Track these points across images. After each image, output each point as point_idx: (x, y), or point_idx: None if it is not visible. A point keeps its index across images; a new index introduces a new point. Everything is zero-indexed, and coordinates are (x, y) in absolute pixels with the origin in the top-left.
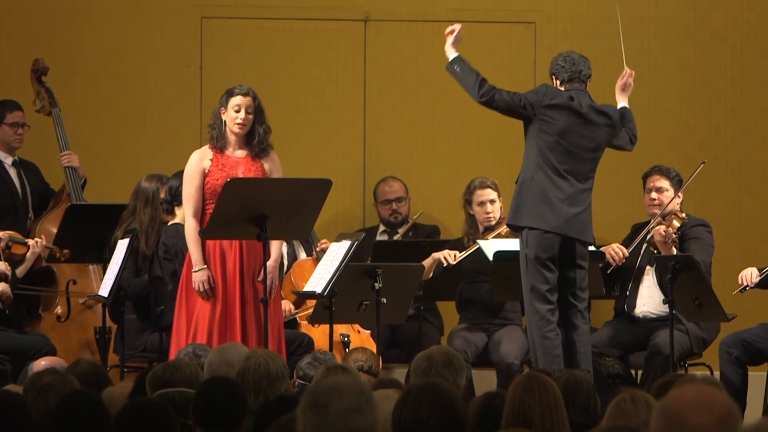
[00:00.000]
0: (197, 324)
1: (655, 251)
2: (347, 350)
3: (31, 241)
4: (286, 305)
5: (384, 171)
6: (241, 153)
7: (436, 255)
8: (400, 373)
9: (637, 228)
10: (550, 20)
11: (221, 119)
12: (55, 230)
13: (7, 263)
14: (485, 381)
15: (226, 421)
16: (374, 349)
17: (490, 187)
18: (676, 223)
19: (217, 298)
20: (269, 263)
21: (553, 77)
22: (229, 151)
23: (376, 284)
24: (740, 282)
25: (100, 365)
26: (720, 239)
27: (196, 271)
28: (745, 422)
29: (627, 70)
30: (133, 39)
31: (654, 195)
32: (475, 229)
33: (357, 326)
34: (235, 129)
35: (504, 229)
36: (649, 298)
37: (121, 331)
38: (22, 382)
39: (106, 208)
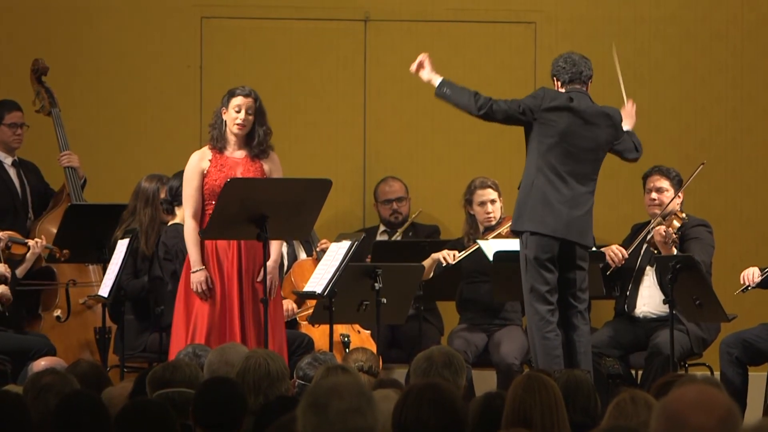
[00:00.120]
0: (196, 324)
1: (656, 251)
2: (347, 350)
3: (31, 242)
4: (289, 304)
5: (384, 171)
6: (240, 153)
7: (435, 255)
8: (400, 374)
9: (638, 228)
10: (550, 20)
11: (222, 119)
12: (54, 230)
13: (6, 265)
14: (485, 381)
15: (226, 421)
16: (374, 349)
17: (490, 187)
18: (677, 224)
19: (215, 299)
20: (269, 263)
21: (554, 78)
22: (228, 152)
23: (376, 284)
24: (742, 282)
25: (100, 365)
26: (720, 239)
27: (194, 272)
28: (746, 422)
29: (629, 103)
30: (133, 39)
31: (654, 195)
32: (476, 229)
33: (357, 326)
34: (235, 129)
35: (504, 229)
36: (649, 299)
37: (121, 331)
38: (22, 383)
39: (106, 208)
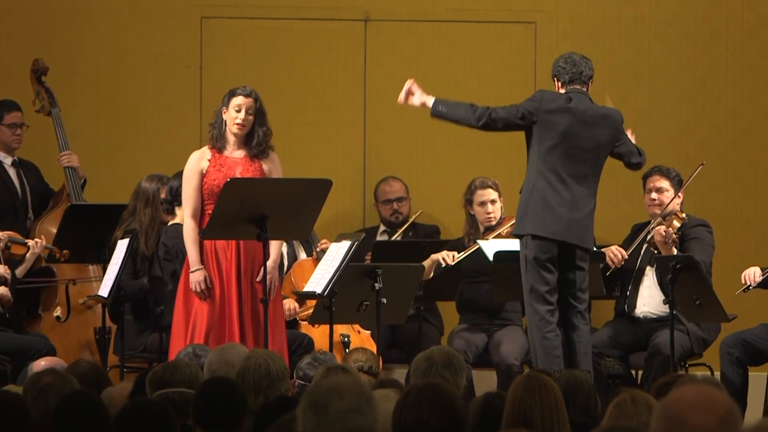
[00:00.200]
0: (195, 324)
1: (656, 251)
2: (347, 350)
3: (31, 242)
4: (291, 304)
5: (384, 171)
6: (239, 153)
7: (434, 256)
8: (400, 374)
9: (638, 228)
10: (550, 20)
11: (222, 119)
12: (54, 230)
13: (6, 267)
14: (485, 381)
15: (226, 421)
16: (374, 349)
17: (491, 187)
18: (677, 224)
19: (214, 299)
20: (268, 263)
21: (555, 79)
22: (227, 152)
23: (376, 284)
24: (743, 281)
25: (100, 365)
26: (720, 239)
27: (193, 272)
28: (746, 423)
29: (628, 131)
30: (133, 39)
31: (654, 195)
32: (476, 229)
33: (357, 326)
34: (234, 129)
35: (505, 229)
36: (649, 299)
37: (120, 331)
38: (22, 383)
39: (106, 208)
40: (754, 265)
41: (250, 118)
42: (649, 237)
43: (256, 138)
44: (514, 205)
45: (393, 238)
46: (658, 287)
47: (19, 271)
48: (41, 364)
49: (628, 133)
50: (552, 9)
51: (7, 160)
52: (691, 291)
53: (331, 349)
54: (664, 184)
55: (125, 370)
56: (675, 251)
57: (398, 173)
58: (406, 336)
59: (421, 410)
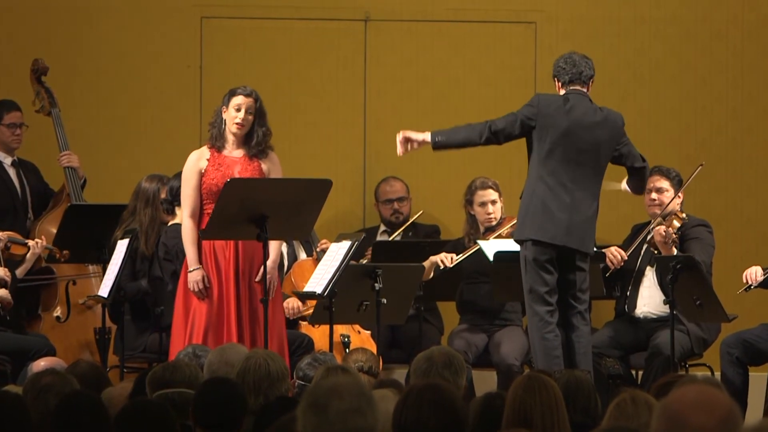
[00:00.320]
0: (193, 324)
1: (656, 251)
2: (347, 351)
3: (31, 242)
4: (294, 302)
5: (384, 171)
6: (238, 153)
7: (433, 258)
8: (400, 374)
9: (638, 229)
10: (550, 20)
11: (222, 118)
12: (54, 230)
13: (6, 269)
14: (485, 382)
15: (226, 421)
16: (374, 349)
17: (491, 187)
18: (677, 224)
19: (212, 298)
20: (268, 263)
21: (555, 79)
22: (226, 151)
23: (376, 284)
24: (745, 281)
25: (100, 366)
26: (721, 239)
27: (191, 271)
28: (746, 423)
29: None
30: (133, 39)
31: (654, 195)
32: (476, 229)
33: (357, 327)
34: (234, 129)
35: (505, 230)
36: (649, 299)
37: (120, 331)
38: (22, 383)
39: (106, 208)
40: (754, 265)
41: (250, 117)
42: (649, 237)
43: (256, 138)
44: (514, 205)
45: (392, 237)
46: (659, 287)
47: (20, 272)
48: (41, 364)
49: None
50: (552, 9)
51: (7, 160)
52: (692, 291)
53: (331, 350)
54: (664, 184)
55: (125, 370)
56: (675, 251)
57: (398, 173)
58: (406, 336)
59: (421, 410)
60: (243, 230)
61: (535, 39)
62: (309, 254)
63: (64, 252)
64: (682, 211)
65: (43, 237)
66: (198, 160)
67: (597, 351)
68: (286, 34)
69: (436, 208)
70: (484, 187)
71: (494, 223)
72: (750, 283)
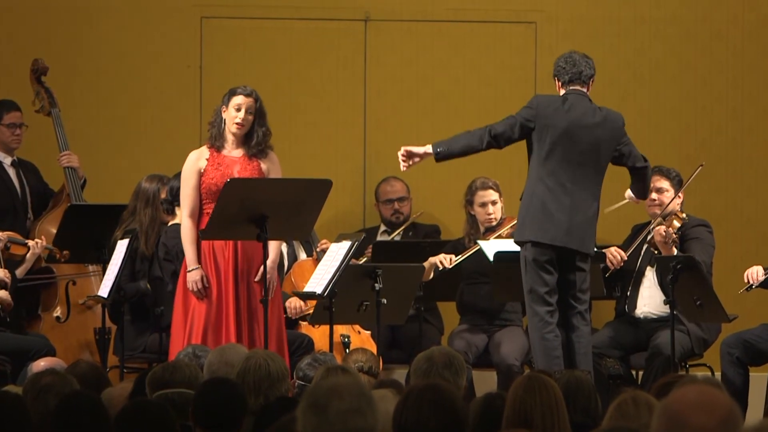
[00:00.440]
0: (192, 324)
1: (656, 252)
2: (347, 351)
3: (31, 242)
4: (297, 302)
5: (384, 171)
6: (238, 152)
7: (432, 259)
8: (400, 374)
9: (638, 229)
10: (550, 20)
11: (221, 117)
12: (54, 230)
13: (6, 271)
14: (486, 382)
15: (226, 422)
16: (374, 349)
17: (491, 188)
18: (677, 224)
19: (211, 298)
20: (267, 263)
21: (555, 78)
22: (226, 150)
23: (376, 285)
24: (746, 280)
25: (99, 366)
26: (721, 240)
27: (190, 271)
28: (747, 423)
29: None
30: (133, 39)
31: (654, 195)
32: (476, 229)
33: (357, 327)
34: (234, 128)
35: (505, 230)
36: (649, 299)
37: (120, 331)
38: (22, 383)
39: (106, 208)
40: (754, 265)
41: (250, 117)
42: (649, 237)
43: (256, 138)
44: (514, 205)
45: (391, 237)
46: (659, 287)
47: (20, 272)
48: (41, 364)
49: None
50: (552, 9)
51: (7, 160)
52: (692, 291)
53: (331, 350)
54: (665, 184)
55: (125, 370)
56: (675, 251)
57: (398, 173)
58: (406, 336)
59: (421, 411)
60: (243, 230)
61: (535, 39)
62: (309, 254)
63: (64, 252)
64: (682, 211)
65: (43, 237)
66: (197, 159)
67: (597, 351)
68: (286, 34)
69: (436, 208)
70: (485, 187)
71: (494, 223)
72: (751, 282)
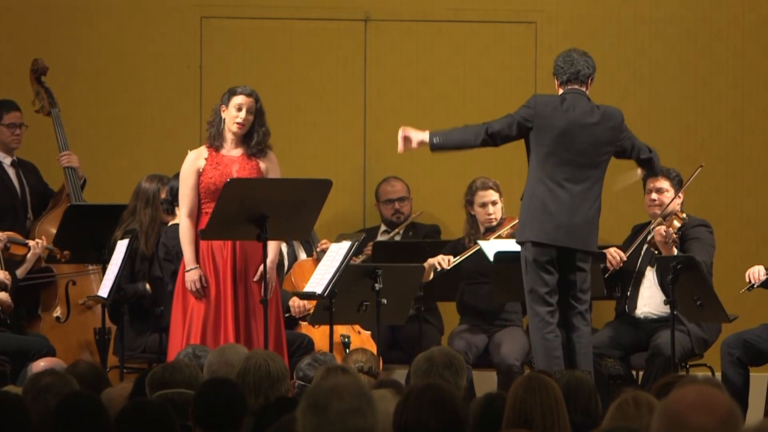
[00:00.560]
0: (191, 324)
1: (656, 252)
2: (347, 351)
3: (31, 242)
4: (300, 301)
5: (384, 171)
6: (237, 152)
7: (431, 261)
8: (400, 374)
9: (638, 229)
10: (550, 20)
11: (221, 117)
12: (54, 231)
13: (6, 272)
14: (486, 382)
15: (226, 422)
16: (374, 350)
17: (492, 188)
18: (677, 224)
19: (210, 298)
20: (267, 263)
21: (555, 77)
22: (225, 150)
23: (376, 285)
24: (747, 280)
25: (99, 366)
26: (721, 240)
27: (188, 271)
28: (747, 423)
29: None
30: (133, 39)
31: (654, 196)
32: (476, 229)
33: (357, 327)
34: (234, 128)
35: (505, 230)
36: (650, 299)
37: (120, 332)
38: (22, 383)
39: (106, 208)
40: (755, 265)
41: (251, 117)
42: (649, 237)
43: (256, 137)
44: (514, 205)
45: (390, 236)
46: (659, 288)
47: (20, 272)
48: (41, 364)
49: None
50: (552, 9)
51: (7, 161)
52: (692, 291)
53: (331, 350)
54: (665, 184)
55: (125, 370)
56: (675, 251)
57: (398, 173)
58: (406, 336)
59: (421, 411)
60: (243, 230)
61: (535, 39)
62: (309, 254)
63: (65, 252)
64: (682, 211)
65: (43, 237)
66: (196, 159)
67: (597, 351)
68: (286, 34)
69: (436, 208)
70: (485, 187)
71: (494, 223)
72: (753, 282)
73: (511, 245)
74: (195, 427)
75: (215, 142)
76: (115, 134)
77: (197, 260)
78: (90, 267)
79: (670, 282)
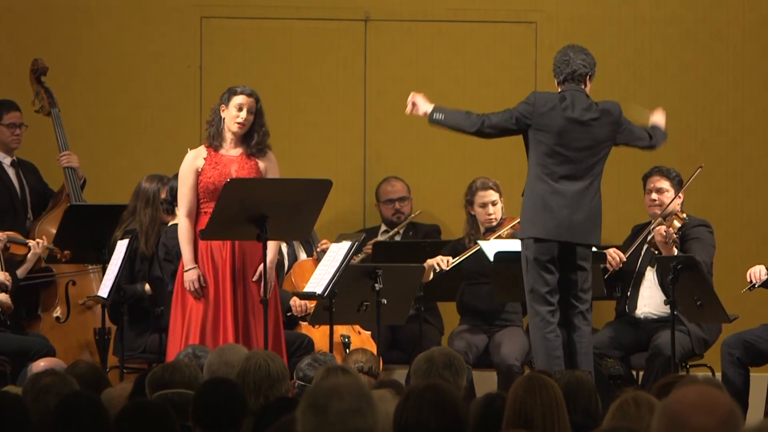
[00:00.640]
0: (190, 324)
1: (656, 252)
2: (347, 351)
3: (31, 242)
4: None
5: (384, 171)
6: (236, 151)
7: (430, 261)
8: (400, 375)
9: (638, 229)
10: (550, 20)
11: (220, 116)
12: (54, 231)
13: (6, 273)
14: (486, 382)
15: (226, 422)
16: (375, 350)
17: (492, 188)
18: (677, 224)
19: (208, 298)
20: (266, 263)
21: (554, 75)
22: (224, 150)
23: (376, 285)
24: (749, 279)
25: (99, 366)
26: (721, 240)
27: (187, 271)
28: (747, 423)
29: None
30: (133, 39)
31: (654, 196)
32: (476, 229)
33: (357, 327)
34: (235, 128)
35: (505, 230)
36: (650, 299)
37: (120, 332)
38: (22, 383)
39: (106, 208)
40: (755, 265)
41: (251, 117)
42: (649, 237)
43: (256, 137)
44: (514, 205)
45: (390, 236)
46: (659, 288)
47: (20, 272)
48: (41, 364)
49: (659, 113)
50: (552, 9)
51: (6, 161)
52: (692, 291)
53: (331, 350)
54: (665, 184)
55: (125, 370)
56: (675, 251)
57: (398, 173)
58: (406, 337)
59: (421, 411)
60: (243, 230)
61: (535, 39)
62: (309, 254)
63: (65, 252)
64: (682, 212)
65: (43, 237)
66: (195, 159)
67: (598, 351)
68: (286, 34)
69: (437, 208)
70: (485, 187)
71: (495, 223)
72: (754, 282)
73: (512, 245)
74: (195, 427)
75: (214, 142)
76: (115, 134)
77: (196, 260)
78: (90, 267)
79: (670, 282)
